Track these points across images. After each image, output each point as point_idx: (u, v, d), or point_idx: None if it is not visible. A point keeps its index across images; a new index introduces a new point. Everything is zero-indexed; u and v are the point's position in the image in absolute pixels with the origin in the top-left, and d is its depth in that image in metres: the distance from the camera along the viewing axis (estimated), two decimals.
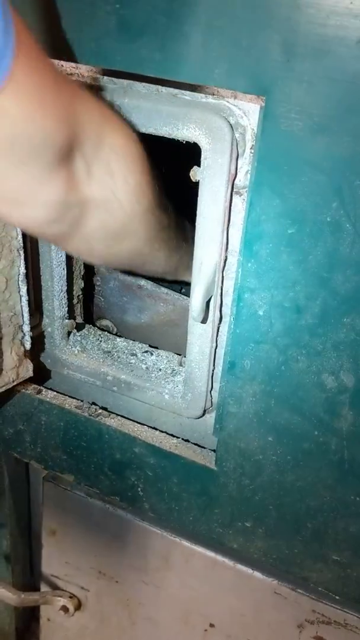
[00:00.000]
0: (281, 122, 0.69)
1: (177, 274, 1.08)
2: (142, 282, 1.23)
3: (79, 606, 1.37)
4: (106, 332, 1.21)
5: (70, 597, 1.36)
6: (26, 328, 1.02)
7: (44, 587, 1.40)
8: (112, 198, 0.77)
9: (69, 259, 1.07)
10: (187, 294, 1.15)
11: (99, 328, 1.23)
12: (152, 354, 1.14)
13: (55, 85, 0.65)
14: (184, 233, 1.00)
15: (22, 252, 0.95)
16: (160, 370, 1.10)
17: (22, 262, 0.96)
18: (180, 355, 1.12)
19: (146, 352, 1.15)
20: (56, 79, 0.65)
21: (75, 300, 1.17)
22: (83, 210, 0.75)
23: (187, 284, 1.06)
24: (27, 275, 0.99)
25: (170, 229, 0.93)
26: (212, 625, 1.22)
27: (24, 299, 0.99)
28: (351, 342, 0.78)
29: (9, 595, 1.29)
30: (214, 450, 1.01)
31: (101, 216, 0.78)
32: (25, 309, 1.00)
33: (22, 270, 0.97)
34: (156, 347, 1.18)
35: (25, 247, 0.96)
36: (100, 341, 1.17)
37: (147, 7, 0.72)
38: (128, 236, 0.85)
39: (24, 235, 0.95)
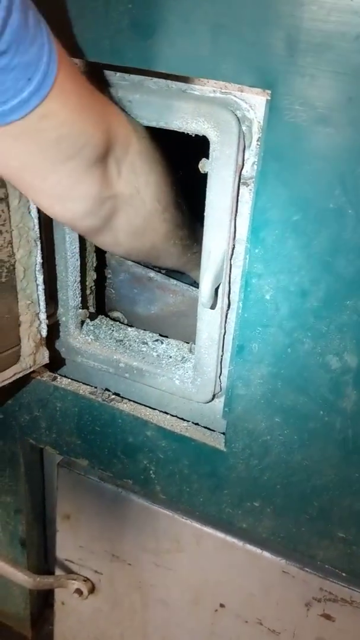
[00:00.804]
0: (286, 114, 0.73)
1: (186, 270, 1.18)
2: (152, 274, 1.27)
3: (92, 589, 1.40)
4: (118, 322, 1.25)
5: (84, 581, 1.39)
6: (42, 316, 1.06)
7: (58, 571, 1.44)
8: (136, 195, 0.87)
9: (82, 250, 1.11)
10: (195, 285, 1.19)
11: (111, 319, 1.27)
12: (162, 342, 1.18)
13: (92, 95, 0.75)
14: (196, 234, 1.08)
15: (38, 243, 0.99)
16: (170, 357, 1.14)
17: (39, 252, 1.00)
18: (189, 343, 1.16)
19: (157, 340, 1.19)
20: (92, 91, 0.75)
21: (88, 291, 1.21)
22: (114, 205, 0.85)
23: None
24: (43, 265, 1.03)
25: (184, 228, 1.02)
26: (222, 606, 1.26)
27: (41, 287, 1.03)
28: (354, 324, 0.81)
29: (25, 579, 1.32)
30: (223, 434, 1.05)
31: (128, 211, 0.87)
32: (42, 298, 1.04)
33: (39, 260, 1.01)
34: (166, 337, 1.21)
35: (41, 238, 1.00)
36: (113, 330, 1.21)
37: (158, 7, 0.76)
38: (149, 231, 0.95)
39: (40, 227, 0.99)
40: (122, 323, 1.29)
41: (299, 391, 0.90)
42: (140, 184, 0.87)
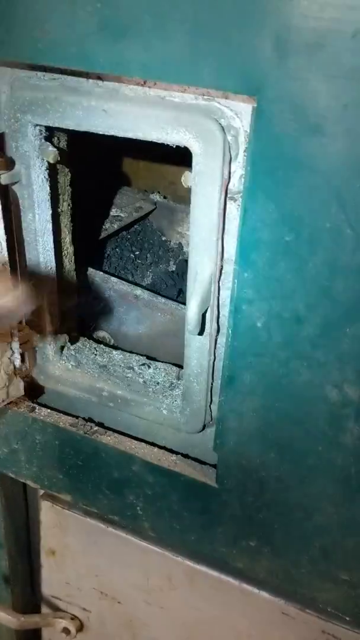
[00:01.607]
0: (274, 123, 0.66)
1: None
2: (138, 291, 1.20)
3: (80, 628, 1.33)
4: (102, 345, 1.17)
5: (72, 619, 1.32)
6: (15, 345, 0.99)
7: (44, 609, 1.37)
8: None
9: (59, 269, 1.03)
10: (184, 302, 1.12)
11: (95, 340, 1.19)
12: (149, 367, 1.11)
13: None
14: None
15: (7, 267, 0.92)
16: (158, 384, 1.06)
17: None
18: (179, 366, 1.09)
19: (143, 364, 1.11)
20: None
21: (68, 313, 1.13)
22: None
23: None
24: None
25: None
26: None
27: None
28: (355, 353, 0.74)
29: (8, 619, 1.25)
30: (215, 466, 0.97)
31: None
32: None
33: None
34: (154, 358, 1.14)
35: (11, 260, 0.93)
36: (96, 355, 1.13)
37: (130, 5, 0.68)
38: None
39: (10, 250, 0.92)
40: (108, 345, 1.21)
41: (296, 425, 0.82)
42: None
